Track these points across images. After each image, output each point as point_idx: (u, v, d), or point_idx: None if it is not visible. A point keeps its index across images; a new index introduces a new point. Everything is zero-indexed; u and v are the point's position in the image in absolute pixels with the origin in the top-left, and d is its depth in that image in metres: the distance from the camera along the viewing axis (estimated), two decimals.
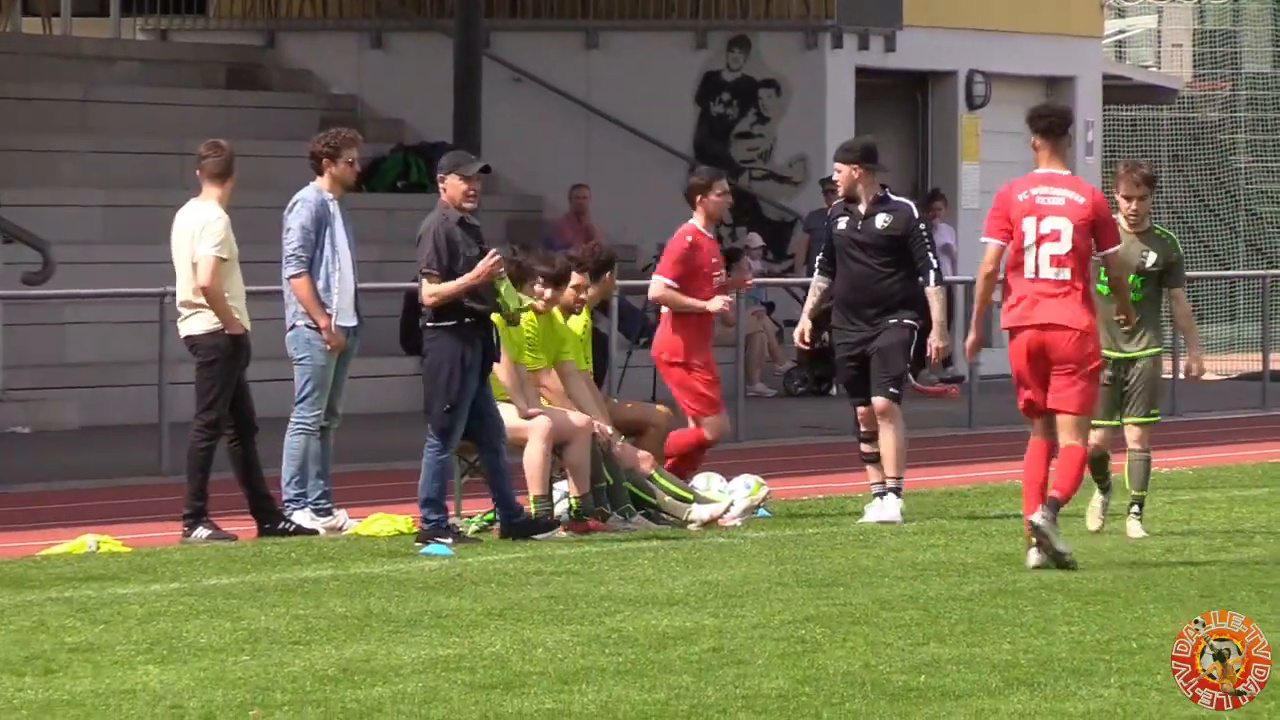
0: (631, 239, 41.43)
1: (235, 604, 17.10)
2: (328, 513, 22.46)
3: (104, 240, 38.67)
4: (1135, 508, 20.43)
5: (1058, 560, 17.36)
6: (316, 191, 22.06)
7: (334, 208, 21.90)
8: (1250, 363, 46.50)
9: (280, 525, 22.13)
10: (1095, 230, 18.12)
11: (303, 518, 22.04)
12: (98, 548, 20.97)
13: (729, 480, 23.34)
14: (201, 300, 22.62)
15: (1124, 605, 16.43)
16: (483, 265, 20.66)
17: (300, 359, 22.12)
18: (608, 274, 23.10)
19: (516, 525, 21.55)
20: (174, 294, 22.81)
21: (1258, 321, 45.25)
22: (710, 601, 16.99)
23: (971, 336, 18.94)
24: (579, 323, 22.57)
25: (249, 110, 44.96)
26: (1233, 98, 61.87)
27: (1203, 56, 65.03)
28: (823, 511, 24.23)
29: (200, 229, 21.65)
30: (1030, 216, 18.06)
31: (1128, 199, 20.84)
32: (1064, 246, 17.86)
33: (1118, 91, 54.98)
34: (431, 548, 20.11)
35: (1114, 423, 20.27)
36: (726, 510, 22.31)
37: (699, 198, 22.45)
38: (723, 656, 14.23)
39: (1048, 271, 17.97)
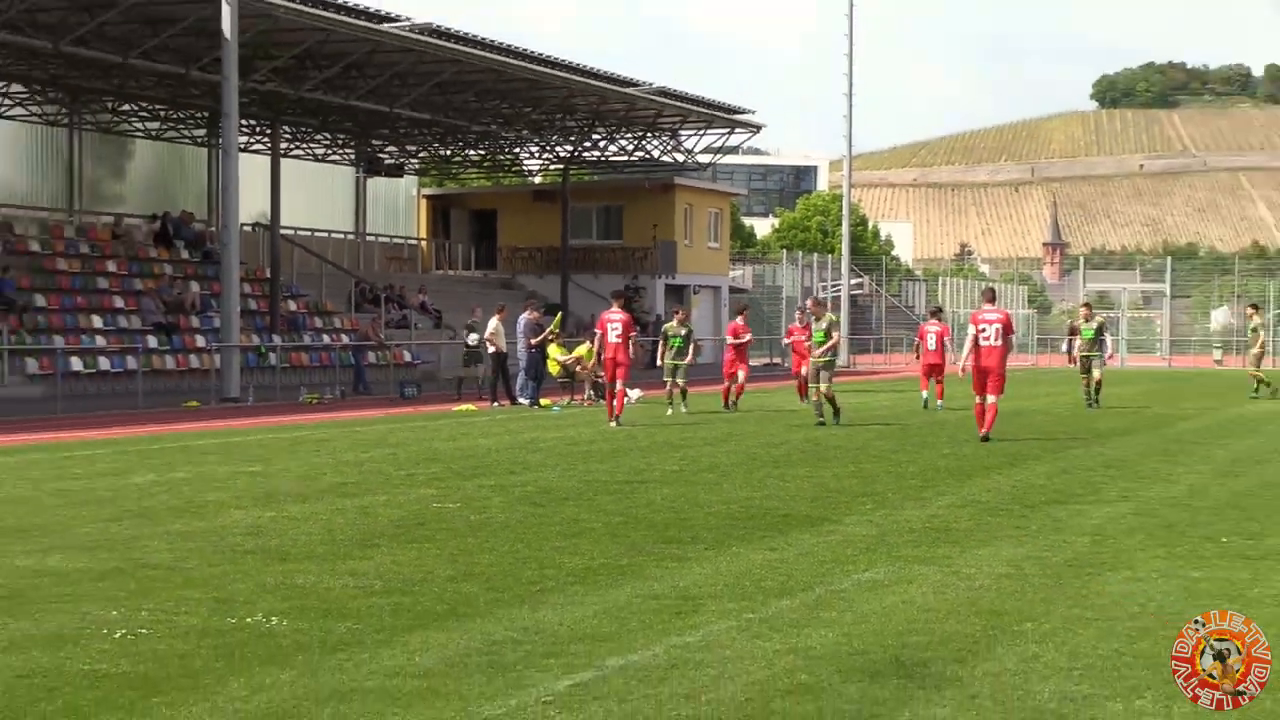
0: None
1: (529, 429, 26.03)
2: (529, 401, 31.87)
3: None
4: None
5: None
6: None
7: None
8: None
9: (516, 404, 32.42)
10: (629, 329, 25.98)
11: (523, 400, 32.53)
12: (468, 409, 30.98)
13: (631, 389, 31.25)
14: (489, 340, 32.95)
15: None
16: (544, 335, 32.39)
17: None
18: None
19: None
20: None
21: None
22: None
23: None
24: (587, 348, 32.25)
25: None
26: None
27: None
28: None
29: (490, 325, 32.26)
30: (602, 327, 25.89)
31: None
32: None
33: None
34: (554, 408, 31.20)
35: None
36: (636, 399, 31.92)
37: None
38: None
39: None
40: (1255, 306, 40.18)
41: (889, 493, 15.81)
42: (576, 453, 20.56)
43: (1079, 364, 32.12)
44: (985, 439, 21.92)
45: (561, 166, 61.03)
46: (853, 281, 74.21)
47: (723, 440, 22.79)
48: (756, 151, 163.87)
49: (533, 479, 17.09)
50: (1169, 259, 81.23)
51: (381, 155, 58.14)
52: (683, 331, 29.51)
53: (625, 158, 59.86)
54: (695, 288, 65.25)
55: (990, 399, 22.20)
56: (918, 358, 31.94)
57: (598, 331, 26.39)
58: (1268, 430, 25.04)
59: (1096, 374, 31.33)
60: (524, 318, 32.94)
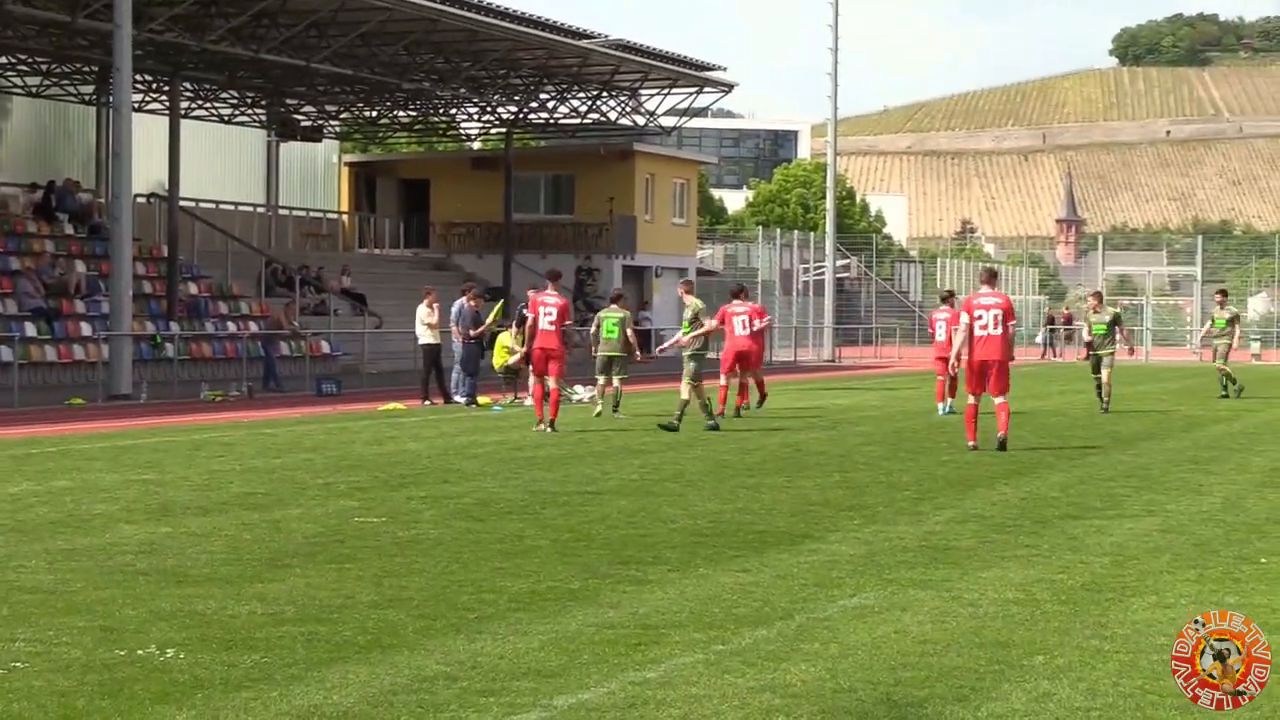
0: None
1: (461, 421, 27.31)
2: (466, 399, 31.98)
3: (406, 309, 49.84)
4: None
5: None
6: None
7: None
8: None
9: (450, 402, 32.70)
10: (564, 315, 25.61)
11: (459, 398, 32.73)
12: (395, 407, 31.13)
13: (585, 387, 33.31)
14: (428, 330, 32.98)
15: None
16: (484, 328, 31.65)
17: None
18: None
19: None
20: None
21: None
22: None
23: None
24: (515, 333, 29.27)
25: None
26: None
27: None
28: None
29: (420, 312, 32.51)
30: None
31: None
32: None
33: None
34: (495, 407, 31.13)
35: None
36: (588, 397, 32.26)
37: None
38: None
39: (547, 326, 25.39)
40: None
41: (880, 506, 15.81)
42: (520, 459, 20.65)
43: (1090, 361, 32.27)
44: (1002, 445, 21.64)
45: (504, 130, 60.97)
46: (839, 263, 74.53)
47: (688, 445, 22.85)
48: (728, 114, 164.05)
49: (470, 489, 17.09)
50: (1199, 238, 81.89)
51: (297, 116, 58.03)
52: (619, 315, 28.40)
53: (578, 120, 59.93)
54: (658, 269, 65.42)
55: (998, 399, 21.98)
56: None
57: (529, 315, 25.89)
58: None
59: (1105, 374, 31.37)
60: (460, 304, 32.80)
